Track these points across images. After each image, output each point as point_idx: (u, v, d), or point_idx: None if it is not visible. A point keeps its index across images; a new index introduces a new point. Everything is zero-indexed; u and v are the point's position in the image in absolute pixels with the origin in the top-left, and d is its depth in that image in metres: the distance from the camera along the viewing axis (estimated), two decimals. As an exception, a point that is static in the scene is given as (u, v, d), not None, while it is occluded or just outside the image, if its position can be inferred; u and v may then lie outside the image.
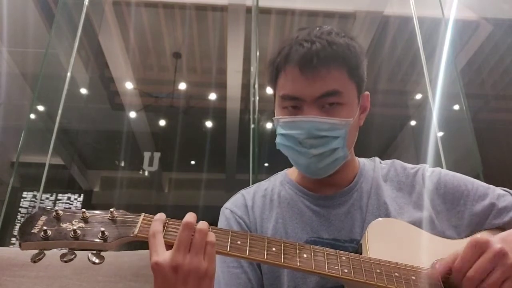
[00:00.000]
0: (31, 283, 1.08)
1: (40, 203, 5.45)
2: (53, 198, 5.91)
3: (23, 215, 5.69)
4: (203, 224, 0.69)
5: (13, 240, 5.24)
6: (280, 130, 0.85)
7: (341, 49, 0.82)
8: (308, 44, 0.82)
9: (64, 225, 0.68)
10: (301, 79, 0.82)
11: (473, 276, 0.65)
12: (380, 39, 4.39)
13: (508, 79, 4.71)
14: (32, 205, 5.75)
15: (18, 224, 5.58)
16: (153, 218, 0.72)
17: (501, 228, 0.86)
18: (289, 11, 4.21)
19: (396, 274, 0.73)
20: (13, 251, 1.15)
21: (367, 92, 0.91)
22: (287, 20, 4.33)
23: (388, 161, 0.99)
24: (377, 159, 1.00)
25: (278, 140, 0.86)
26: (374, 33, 4.25)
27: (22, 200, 5.77)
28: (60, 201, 5.94)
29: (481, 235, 0.85)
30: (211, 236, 0.68)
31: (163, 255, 0.66)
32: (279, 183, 0.97)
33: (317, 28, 0.86)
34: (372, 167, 0.96)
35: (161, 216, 0.71)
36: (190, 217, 0.69)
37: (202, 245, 0.67)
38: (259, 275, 0.87)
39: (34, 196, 5.76)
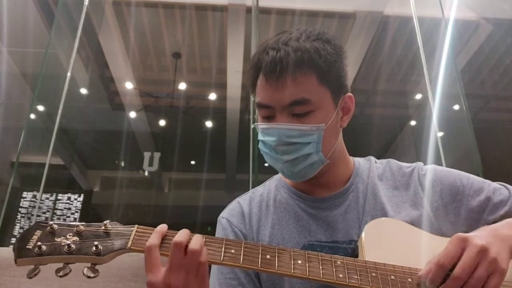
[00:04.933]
0: (31, 283, 1.08)
1: (40, 203, 5.46)
2: (53, 198, 5.90)
3: (23, 215, 5.69)
4: (196, 244, 0.68)
5: (13, 240, 5.24)
6: (259, 137, 0.86)
7: (307, 54, 0.80)
8: (273, 52, 0.81)
9: (58, 240, 0.69)
10: (268, 88, 0.82)
11: (461, 274, 0.65)
12: (380, 39, 4.39)
13: (508, 79, 4.71)
14: (32, 205, 5.75)
15: (18, 224, 5.59)
16: (146, 229, 0.72)
17: (498, 221, 0.86)
18: (289, 11, 4.21)
19: (392, 277, 0.73)
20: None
21: (349, 94, 0.89)
22: (287, 20, 4.33)
23: (384, 161, 0.99)
24: (372, 158, 1.00)
25: (259, 145, 0.87)
26: (374, 33, 4.25)
27: (22, 200, 5.77)
28: (60, 201, 5.93)
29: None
30: (204, 256, 0.68)
31: (156, 276, 0.67)
32: (274, 188, 0.97)
33: (289, 33, 0.85)
34: (368, 167, 0.95)
35: (161, 228, 0.71)
36: (180, 236, 0.68)
37: (194, 266, 0.67)
38: (257, 285, 0.87)
39: (34, 196, 5.75)
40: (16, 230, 5.51)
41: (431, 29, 3.26)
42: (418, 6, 3.19)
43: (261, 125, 0.85)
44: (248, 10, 3.82)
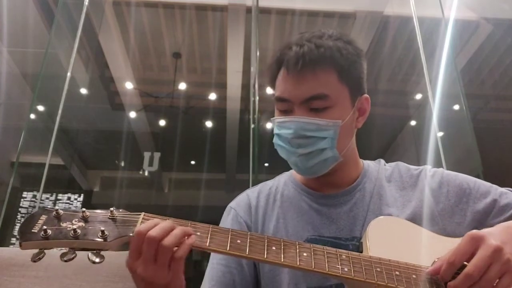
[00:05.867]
0: (31, 283, 1.08)
1: (40, 203, 5.45)
2: (53, 198, 5.91)
3: (23, 215, 5.69)
4: (169, 240, 0.66)
5: (13, 240, 5.24)
6: (275, 130, 0.88)
7: (329, 52, 0.83)
8: (297, 47, 0.84)
9: (64, 225, 0.68)
10: (289, 81, 0.84)
11: (473, 273, 0.65)
12: (380, 39, 4.39)
13: (508, 79, 4.71)
14: (32, 205, 5.74)
15: (18, 224, 5.58)
16: (153, 217, 0.72)
17: None
18: (289, 11, 4.21)
19: (397, 272, 0.73)
20: (13, 251, 1.16)
21: (366, 95, 0.91)
22: (287, 20, 4.33)
23: (392, 164, 1.01)
24: (382, 161, 1.01)
25: (274, 140, 0.89)
26: (374, 33, 4.25)
27: (22, 200, 5.77)
28: (60, 201, 5.94)
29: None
30: (180, 252, 0.67)
31: (130, 263, 0.67)
32: (283, 183, 0.99)
33: (311, 32, 0.88)
34: (377, 169, 0.97)
35: (165, 222, 0.69)
36: (155, 231, 0.66)
37: (164, 261, 0.66)
38: (247, 277, 0.88)
39: (34, 196, 5.75)
40: (16, 230, 5.51)
41: (431, 29, 3.26)
42: (418, 6, 3.19)
43: (278, 119, 0.87)
44: (248, 10, 3.82)
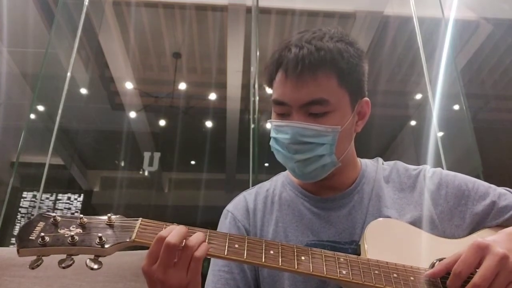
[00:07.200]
0: (31, 283, 1.08)
1: (40, 203, 5.46)
2: (53, 198, 5.91)
3: (23, 215, 5.69)
4: (192, 241, 0.67)
5: (13, 240, 5.24)
6: (272, 133, 0.86)
7: (329, 54, 0.80)
8: (296, 49, 0.80)
9: (61, 231, 0.68)
10: (287, 85, 0.81)
11: (480, 283, 0.65)
12: (380, 39, 4.39)
13: (508, 79, 4.71)
14: (32, 205, 5.74)
15: (18, 224, 5.59)
16: (151, 222, 0.71)
17: (501, 225, 0.86)
18: (289, 11, 4.21)
19: (395, 275, 0.73)
20: (13, 251, 1.15)
21: (366, 99, 0.88)
22: (287, 20, 4.33)
23: (391, 163, 0.98)
24: (380, 159, 0.99)
25: (271, 143, 0.87)
26: (374, 33, 4.25)
27: (22, 200, 5.77)
28: (60, 201, 5.94)
29: (481, 234, 0.85)
30: (200, 251, 0.68)
31: (147, 267, 0.68)
32: (281, 184, 0.97)
33: (312, 32, 0.84)
34: (375, 169, 0.95)
35: (180, 228, 0.69)
36: (174, 237, 0.66)
37: (185, 262, 0.67)
38: (250, 282, 0.87)
39: (34, 196, 5.75)
40: (16, 230, 5.50)
41: (431, 29, 3.26)
42: (418, 6, 3.19)
43: (275, 122, 0.84)
44: (248, 10, 3.82)
